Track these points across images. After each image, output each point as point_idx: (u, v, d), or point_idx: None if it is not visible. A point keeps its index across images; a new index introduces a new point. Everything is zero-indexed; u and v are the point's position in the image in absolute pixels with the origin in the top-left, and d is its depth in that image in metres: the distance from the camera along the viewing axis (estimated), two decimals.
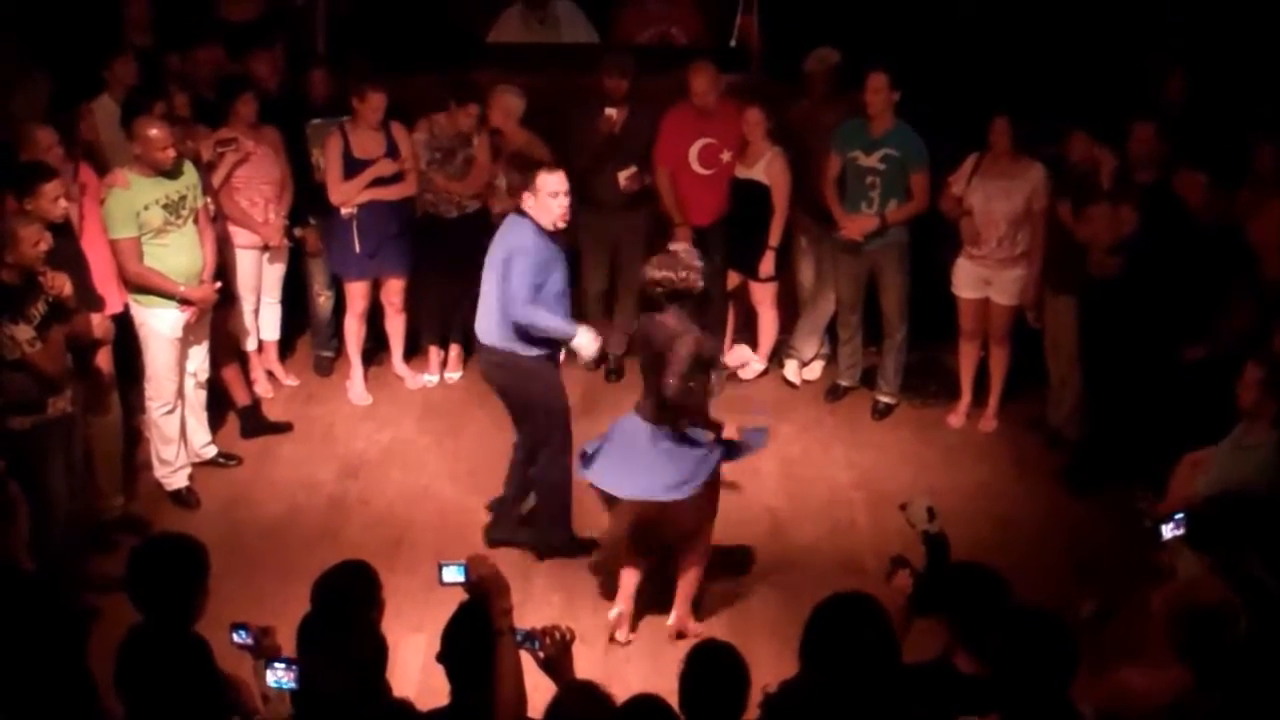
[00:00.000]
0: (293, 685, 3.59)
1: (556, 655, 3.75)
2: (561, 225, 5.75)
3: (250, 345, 7.28)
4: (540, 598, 5.76)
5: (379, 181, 7.03)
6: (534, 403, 5.89)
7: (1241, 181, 6.02)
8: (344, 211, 7.05)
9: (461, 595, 3.84)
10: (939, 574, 4.01)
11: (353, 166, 6.99)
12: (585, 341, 5.76)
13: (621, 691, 3.62)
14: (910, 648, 3.74)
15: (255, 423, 7.07)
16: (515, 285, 5.63)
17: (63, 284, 5.43)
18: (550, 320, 5.69)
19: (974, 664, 3.67)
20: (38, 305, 5.32)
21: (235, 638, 3.94)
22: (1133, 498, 6.08)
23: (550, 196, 5.66)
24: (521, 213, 5.74)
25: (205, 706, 3.65)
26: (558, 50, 8.00)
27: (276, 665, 3.64)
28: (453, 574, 3.86)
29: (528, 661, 3.73)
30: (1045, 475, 6.76)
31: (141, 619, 3.82)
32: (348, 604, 3.76)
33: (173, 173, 6.12)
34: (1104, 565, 5.95)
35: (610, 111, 7.03)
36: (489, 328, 5.82)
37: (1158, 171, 6.22)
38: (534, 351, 5.76)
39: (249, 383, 7.22)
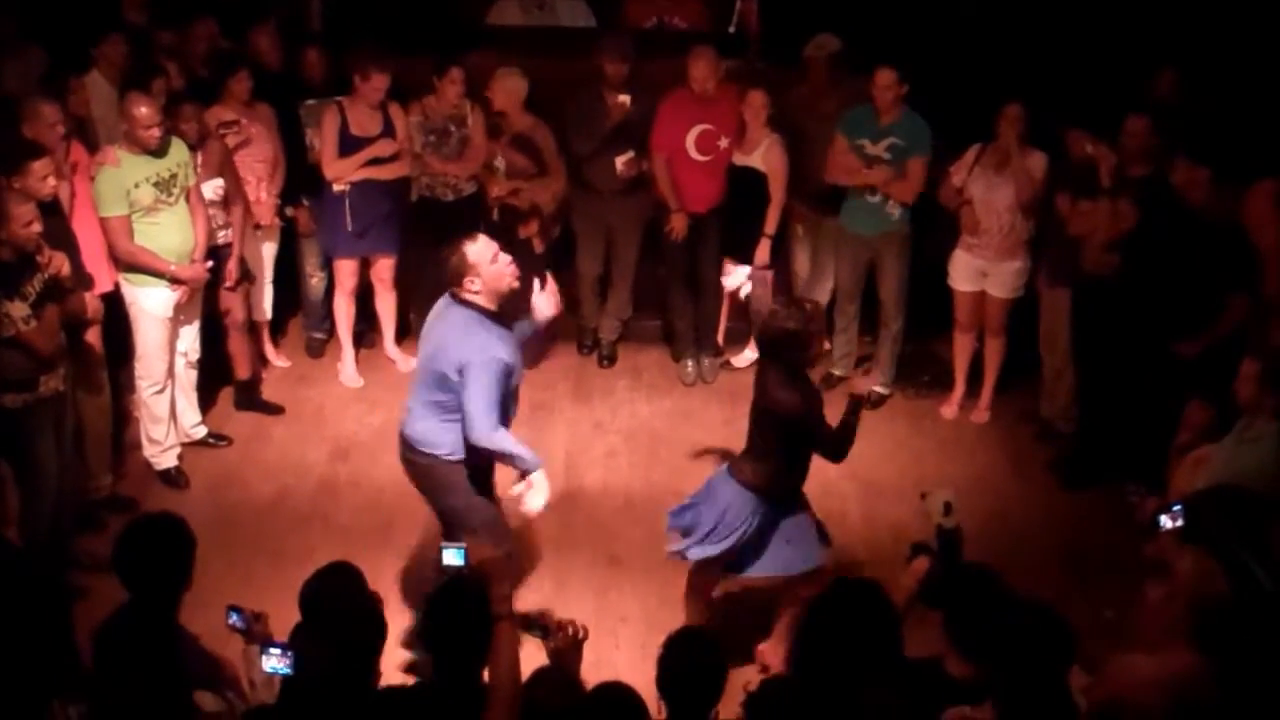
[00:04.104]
0: (288, 670, 3.57)
1: (566, 649, 3.76)
2: (515, 284, 4.95)
3: (265, 316, 7.30)
4: (532, 584, 5.73)
5: (374, 161, 7.00)
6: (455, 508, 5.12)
7: (1240, 176, 5.98)
8: (336, 188, 7.01)
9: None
10: (950, 569, 4.01)
11: (349, 144, 6.96)
12: (540, 484, 4.89)
13: (610, 678, 3.61)
14: (914, 640, 3.73)
15: (250, 398, 7.07)
16: (478, 403, 4.78)
17: (61, 263, 5.40)
18: (517, 448, 4.91)
19: (965, 667, 3.64)
20: (32, 283, 5.28)
21: (229, 618, 3.93)
22: (1124, 491, 6.14)
23: (490, 264, 4.86)
24: (461, 300, 4.87)
25: (166, 689, 3.62)
26: (556, 34, 7.95)
27: (272, 651, 3.61)
28: (452, 557, 3.87)
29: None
30: (1038, 468, 6.75)
31: (128, 598, 3.81)
32: (335, 604, 3.73)
33: (162, 151, 6.08)
34: (1095, 558, 5.95)
35: (624, 98, 6.98)
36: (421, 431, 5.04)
37: (1151, 166, 6.20)
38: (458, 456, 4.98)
39: (255, 359, 7.19)
